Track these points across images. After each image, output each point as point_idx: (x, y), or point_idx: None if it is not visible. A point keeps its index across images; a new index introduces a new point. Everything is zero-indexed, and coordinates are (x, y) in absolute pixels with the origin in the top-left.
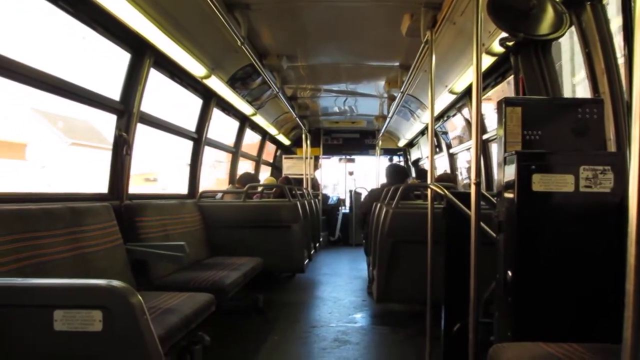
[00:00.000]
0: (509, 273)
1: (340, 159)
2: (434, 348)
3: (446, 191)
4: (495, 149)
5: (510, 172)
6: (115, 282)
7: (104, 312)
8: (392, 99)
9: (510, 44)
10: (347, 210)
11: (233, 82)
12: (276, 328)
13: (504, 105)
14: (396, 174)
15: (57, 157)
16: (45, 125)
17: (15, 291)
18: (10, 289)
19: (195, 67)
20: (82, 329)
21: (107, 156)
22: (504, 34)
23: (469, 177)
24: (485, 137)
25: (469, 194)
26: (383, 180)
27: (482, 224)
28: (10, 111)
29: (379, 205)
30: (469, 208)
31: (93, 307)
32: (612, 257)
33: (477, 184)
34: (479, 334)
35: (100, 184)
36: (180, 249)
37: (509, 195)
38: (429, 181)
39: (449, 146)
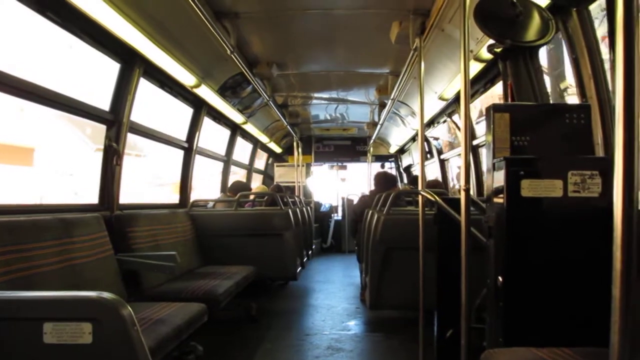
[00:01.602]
0: (500, 278)
1: (332, 166)
2: (427, 354)
3: (437, 197)
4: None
5: (499, 178)
6: (105, 294)
7: (94, 324)
8: (382, 105)
9: (498, 50)
10: (340, 217)
11: (223, 91)
12: (269, 336)
13: (492, 111)
14: (384, 182)
15: (81, 163)
16: (73, 131)
17: (4, 304)
18: None
19: (185, 77)
20: (72, 342)
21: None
22: (491, 41)
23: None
24: (475, 142)
25: (459, 200)
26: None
27: (472, 229)
28: (41, 116)
29: (370, 211)
30: (460, 214)
31: (83, 319)
32: (601, 261)
33: (467, 190)
34: (471, 340)
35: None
36: (171, 259)
37: (498, 200)
38: (419, 187)
39: (439, 152)
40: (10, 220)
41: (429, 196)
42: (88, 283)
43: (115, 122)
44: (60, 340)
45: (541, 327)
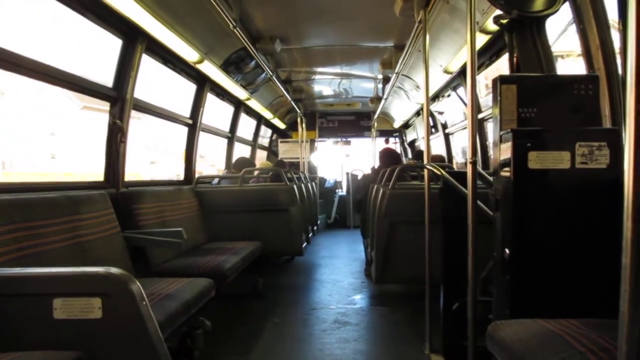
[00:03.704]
0: (506, 251)
1: (336, 142)
2: (433, 327)
3: (442, 171)
4: (490, 128)
5: (506, 150)
6: (114, 269)
7: (104, 299)
8: (386, 80)
9: (504, 21)
10: (344, 193)
11: (227, 67)
12: (276, 311)
13: (499, 83)
14: (390, 158)
15: (64, 122)
16: (58, 88)
17: (14, 280)
18: (9, 279)
19: (188, 52)
20: (82, 317)
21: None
22: (498, 12)
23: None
24: (480, 116)
25: (465, 174)
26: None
27: (479, 202)
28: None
29: (375, 186)
30: (466, 187)
31: (92, 294)
32: (609, 232)
33: (474, 163)
34: (477, 312)
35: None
36: (178, 235)
37: (505, 173)
38: (425, 162)
39: (444, 126)
40: (20, 198)
41: (434, 170)
42: (96, 260)
43: (119, 99)
44: (70, 315)
45: (548, 299)
